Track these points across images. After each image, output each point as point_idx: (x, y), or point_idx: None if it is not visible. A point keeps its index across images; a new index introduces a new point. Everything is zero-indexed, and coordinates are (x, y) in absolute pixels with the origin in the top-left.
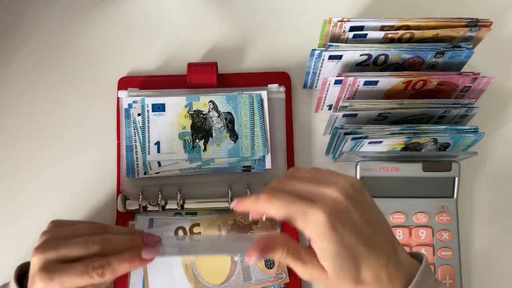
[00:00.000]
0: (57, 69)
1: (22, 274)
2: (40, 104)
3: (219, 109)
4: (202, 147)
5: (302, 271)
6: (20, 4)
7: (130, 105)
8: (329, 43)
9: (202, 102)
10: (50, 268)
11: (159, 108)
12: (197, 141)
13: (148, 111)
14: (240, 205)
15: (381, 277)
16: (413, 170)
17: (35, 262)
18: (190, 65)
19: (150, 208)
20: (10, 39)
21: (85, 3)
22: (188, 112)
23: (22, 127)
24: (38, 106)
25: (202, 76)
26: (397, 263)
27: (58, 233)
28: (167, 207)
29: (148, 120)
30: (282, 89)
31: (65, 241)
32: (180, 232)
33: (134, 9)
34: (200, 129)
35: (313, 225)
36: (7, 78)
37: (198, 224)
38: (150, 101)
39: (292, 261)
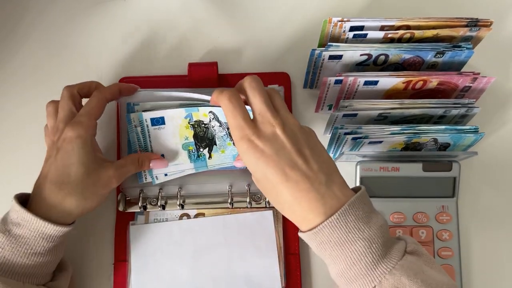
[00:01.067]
0: (57, 69)
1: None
2: (40, 104)
3: (220, 119)
4: (207, 155)
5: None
6: (20, 4)
7: (129, 109)
8: (329, 43)
9: (202, 113)
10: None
11: (158, 121)
12: (201, 149)
13: (147, 126)
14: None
15: (300, 201)
16: (413, 170)
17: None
18: (190, 65)
19: (150, 208)
20: (9, 39)
21: (85, 3)
22: (189, 123)
23: (22, 127)
24: (38, 106)
25: (203, 76)
26: (325, 192)
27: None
28: (167, 206)
29: (148, 135)
30: (282, 89)
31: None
32: (185, 219)
33: (134, 9)
34: (203, 138)
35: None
36: (7, 78)
37: (203, 214)
38: (148, 115)
39: None
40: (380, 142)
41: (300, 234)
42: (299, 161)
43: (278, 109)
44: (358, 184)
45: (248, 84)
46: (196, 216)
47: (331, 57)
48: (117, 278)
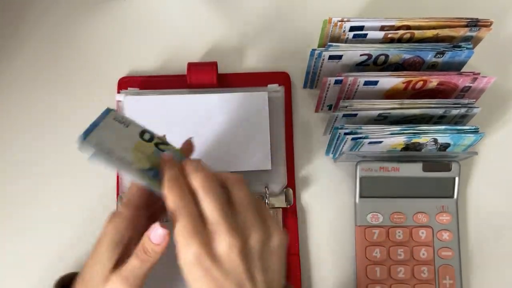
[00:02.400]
0: (57, 69)
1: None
2: (39, 104)
3: None
4: None
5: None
6: (20, 4)
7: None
8: (329, 43)
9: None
10: None
11: None
12: None
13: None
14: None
15: None
16: (413, 170)
17: None
18: (190, 65)
19: None
20: (9, 39)
21: (85, 3)
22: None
23: (21, 127)
24: (37, 106)
25: (202, 76)
26: None
27: None
28: None
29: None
30: (282, 89)
31: None
32: None
33: (134, 9)
34: None
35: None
36: (6, 78)
37: None
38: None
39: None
40: (380, 142)
41: None
42: (246, 284)
43: (239, 212)
44: (358, 183)
45: (198, 184)
46: None
47: (331, 57)
48: None
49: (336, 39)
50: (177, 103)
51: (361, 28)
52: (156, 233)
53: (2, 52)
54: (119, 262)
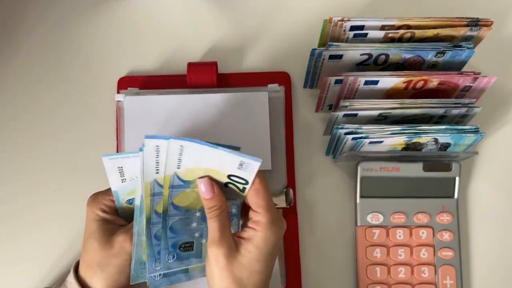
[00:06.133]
0: (57, 69)
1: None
2: (39, 104)
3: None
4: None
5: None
6: (20, 3)
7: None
8: (329, 43)
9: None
10: None
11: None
12: None
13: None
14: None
15: None
16: (414, 170)
17: None
18: (190, 65)
19: None
20: (9, 38)
21: (85, 3)
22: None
23: (21, 127)
24: (37, 107)
25: (202, 76)
26: None
27: None
28: None
29: None
30: (282, 89)
31: None
32: None
33: (134, 9)
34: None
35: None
36: (5, 78)
37: None
38: None
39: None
40: (381, 142)
41: None
42: None
43: None
44: (358, 183)
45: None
46: None
47: (331, 57)
48: None
49: (336, 38)
50: (177, 103)
51: (361, 27)
52: None
53: (1, 52)
54: (110, 235)
